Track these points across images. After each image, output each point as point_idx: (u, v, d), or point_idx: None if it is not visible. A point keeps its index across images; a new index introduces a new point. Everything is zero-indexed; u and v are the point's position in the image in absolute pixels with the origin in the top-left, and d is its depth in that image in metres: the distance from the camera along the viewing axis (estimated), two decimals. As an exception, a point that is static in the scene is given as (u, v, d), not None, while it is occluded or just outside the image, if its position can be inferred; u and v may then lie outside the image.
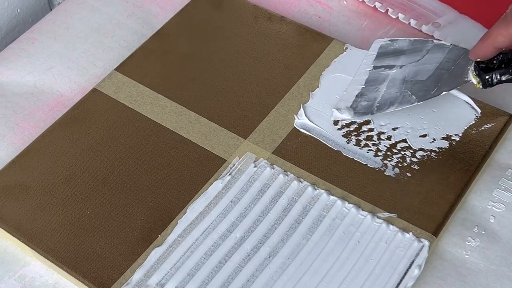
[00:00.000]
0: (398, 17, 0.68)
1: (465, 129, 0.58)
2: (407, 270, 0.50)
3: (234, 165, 0.56)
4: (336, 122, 0.59)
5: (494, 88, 0.56)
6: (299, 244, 0.52)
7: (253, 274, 0.50)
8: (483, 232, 0.54)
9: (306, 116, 0.59)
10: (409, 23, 0.67)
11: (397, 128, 0.58)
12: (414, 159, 0.56)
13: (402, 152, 0.57)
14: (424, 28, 0.67)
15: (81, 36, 0.69)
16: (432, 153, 0.57)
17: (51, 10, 0.81)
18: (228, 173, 0.56)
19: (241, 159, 0.57)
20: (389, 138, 0.58)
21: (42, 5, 0.80)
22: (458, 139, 0.57)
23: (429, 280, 0.51)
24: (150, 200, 0.55)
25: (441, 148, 0.57)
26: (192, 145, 0.58)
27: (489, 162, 0.57)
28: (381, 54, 0.62)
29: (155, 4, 0.71)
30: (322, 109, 0.60)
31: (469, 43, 0.57)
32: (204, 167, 0.56)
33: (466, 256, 0.52)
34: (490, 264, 0.52)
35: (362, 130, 0.58)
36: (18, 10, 0.78)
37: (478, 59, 0.55)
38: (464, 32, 0.66)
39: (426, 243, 0.51)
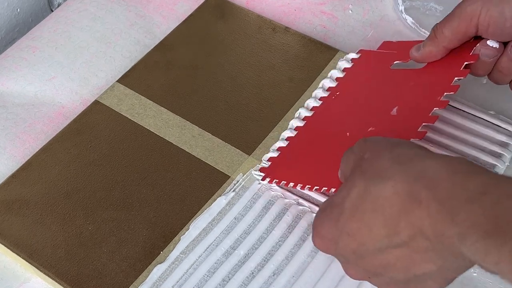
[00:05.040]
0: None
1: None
2: None
3: (238, 181, 0.55)
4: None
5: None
6: (304, 262, 0.51)
7: (257, 293, 0.50)
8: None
9: None
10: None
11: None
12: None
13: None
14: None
15: (83, 46, 0.68)
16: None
17: (51, 10, 0.81)
18: (232, 190, 0.55)
19: (245, 175, 0.56)
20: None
21: (42, 5, 0.80)
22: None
23: (436, 299, 0.50)
24: (152, 216, 0.54)
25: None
26: (196, 160, 0.57)
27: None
28: None
29: (158, 13, 0.71)
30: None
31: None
32: (207, 183, 0.55)
33: (474, 274, 0.52)
34: (498, 283, 0.51)
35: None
36: (18, 10, 0.77)
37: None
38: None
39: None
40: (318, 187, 0.51)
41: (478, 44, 0.53)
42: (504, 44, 0.52)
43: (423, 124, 0.51)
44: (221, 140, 0.58)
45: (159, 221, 0.54)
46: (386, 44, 0.62)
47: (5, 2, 0.76)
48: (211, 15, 0.68)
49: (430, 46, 0.54)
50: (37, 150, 0.59)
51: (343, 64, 0.62)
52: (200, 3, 0.69)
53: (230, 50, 0.65)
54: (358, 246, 0.42)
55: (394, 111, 0.53)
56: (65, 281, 0.51)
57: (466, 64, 0.52)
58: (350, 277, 0.45)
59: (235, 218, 0.53)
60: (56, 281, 0.51)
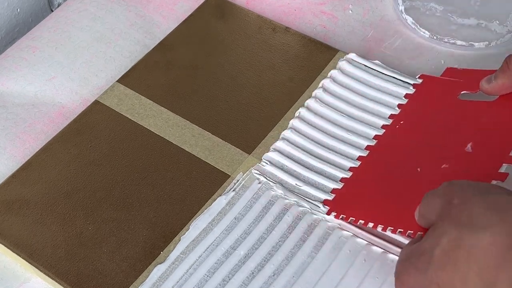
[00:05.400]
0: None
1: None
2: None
3: (238, 181, 0.55)
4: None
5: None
6: (304, 262, 0.51)
7: (257, 293, 0.50)
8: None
9: None
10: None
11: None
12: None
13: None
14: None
15: (83, 46, 0.68)
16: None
17: (51, 10, 0.81)
18: (232, 189, 0.55)
19: (245, 174, 0.56)
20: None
21: (42, 5, 0.80)
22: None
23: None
24: (152, 216, 0.54)
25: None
26: (196, 159, 0.57)
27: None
28: None
29: (158, 13, 0.71)
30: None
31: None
32: (207, 182, 0.55)
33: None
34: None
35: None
36: (18, 10, 0.77)
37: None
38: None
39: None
40: (392, 228, 0.49)
41: None
42: None
43: (504, 164, 0.48)
44: (221, 140, 0.58)
45: (159, 221, 0.53)
46: (450, 71, 0.59)
47: (5, 2, 0.76)
48: (211, 15, 0.68)
49: (503, 79, 0.51)
50: (37, 150, 0.59)
51: (402, 90, 0.59)
52: (200, 3, 0.69)
53: (230, 50, 0.65)
54: None
55: (469, 147, 0.51)
56: (65, 281, 0.51)
57: None
58: None
59: (235, 218, 0.53)
60: (56, 281, 0.51)
